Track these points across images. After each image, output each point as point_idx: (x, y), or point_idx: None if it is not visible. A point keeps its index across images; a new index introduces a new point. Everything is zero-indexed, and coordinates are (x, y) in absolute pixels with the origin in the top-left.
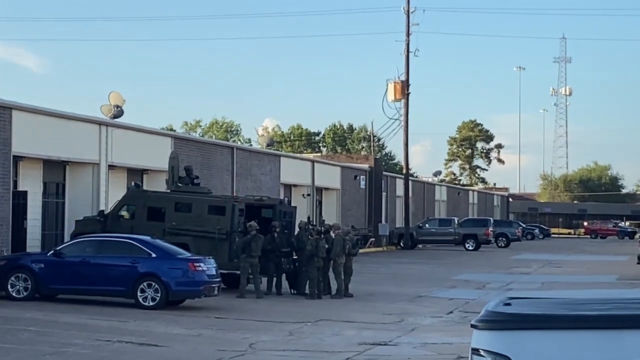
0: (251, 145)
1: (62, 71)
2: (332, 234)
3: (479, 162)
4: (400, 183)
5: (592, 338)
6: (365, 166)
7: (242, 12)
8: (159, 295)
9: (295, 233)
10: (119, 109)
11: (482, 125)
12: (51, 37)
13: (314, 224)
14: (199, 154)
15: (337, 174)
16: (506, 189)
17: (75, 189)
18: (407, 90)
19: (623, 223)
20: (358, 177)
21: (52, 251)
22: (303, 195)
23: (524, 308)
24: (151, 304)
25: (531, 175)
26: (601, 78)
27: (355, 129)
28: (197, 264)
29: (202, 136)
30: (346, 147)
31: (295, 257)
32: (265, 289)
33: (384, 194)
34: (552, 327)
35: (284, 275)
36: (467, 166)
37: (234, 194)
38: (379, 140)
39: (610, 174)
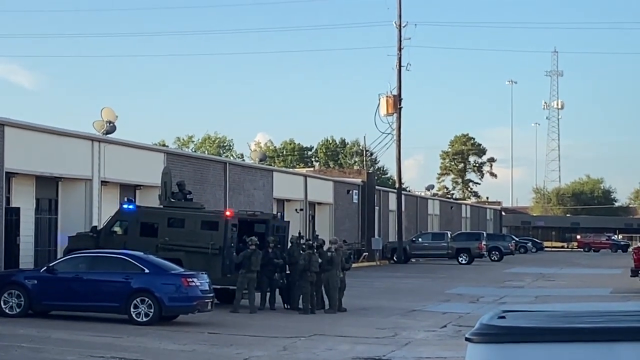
0: (244, 160)
1: (55, 87)
2: (332, 249)
3: (471, 176)
4: (393, 197)
5: (587, 351)
6: (358, 181)
7: (234, 28)
8: (152, 310)
9: (288, 247)
10: (111, 124)
11: (474, 139)
12: (44, 54)
13: (308, 238)
14: (191, 170)
15: (330, 189)
16: (499, 202)
17: (68, 205)
18: (400, 104)
19: (616, 236)
20: (351, 192)
21: (45, 267)
22: (296, 210)
23: (518, 321)
24: (144, 319)
25: (524, 188)
26: (593, 91)
27: (348, 143)
28: (190, 280)
29: (195, 151)
30: (339, 161)
31: (288, 271)
32: (258, 304)
33: (376, 208)
34: (547, 340)
35: (277, 290)
36: (459, 180)
37: (227, 209)
38: (371, 154)
39: (602, 187)
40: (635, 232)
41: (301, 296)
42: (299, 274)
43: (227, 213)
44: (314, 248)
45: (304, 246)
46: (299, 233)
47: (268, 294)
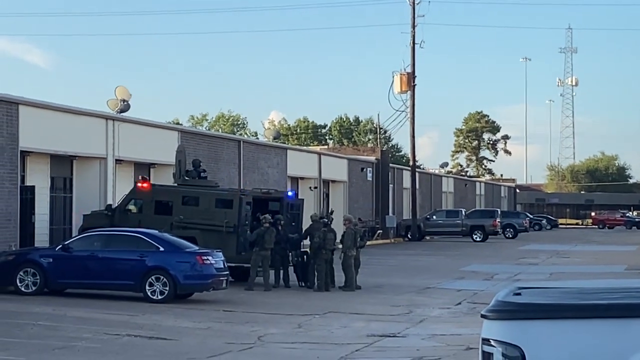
0: (257, 138)
1: (69, 66)
2: (344, 227)
3: (485, 153)
4: (407, 175)
5: (602, 327)
6: (372, 158)
7: (247, 5)
8: (167, 288)
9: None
10: (125, 103)
11: (488, 116)
12: (58, 33)
13: (322, 216)
14: (205, 148)
15: (344, 167)
16: (513, 180)
17: (83, 184)
18: (413, 82)
19: (631, 213)
20: (365, 170)
21: (60, 246)
22: (310, 188)
23: (534, 298)
24: (159, 297)
25: (538, 166)
26: (607, 68)
27: (362, 121)
28: (205, 257)
29: (209, 130)
30: (352, 139)
31: (305, 249)
32: (273, 281)
33: (391, 186)
34: (563, 316)
35: (291, 267)
36: (473, 157)
37: (241, 187)
38: (385, 132)
39: (617, 164)
40: None
41: (316, 274)
42: (313, 251)
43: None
44: (329, 225)
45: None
46: (332, 211)
47: (282, 271)
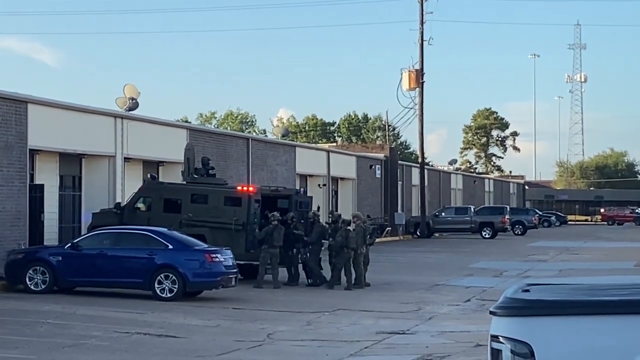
0: (266, 136)
1: (77, 64)
2: (353, 224)
3: (494, 150)
4: (416, 172)
5: (612, 323)
6: (381, 155)
7: (256, 3)
8: (176, 286)
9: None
10: (134, 101)
11: (497, 113)
12: (66, 31)
13: (329, 214)
14: (214, 146)
15: (353, 164)
16: (522, 176)
17: (92, 182)
18: (422, 79)
19: None
20: (374, 167)
21: (69, 244)
22: (319, 185)
23: (543, 294)
24: (169, 295)
25: (547, 162)
26: (616, 64)
27: (370, 118)
28: (214, 255)
29: (217, 127)
30: (361, 136)
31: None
32: (285, 279)
33: (399, 183)
34: (572, 313)
35: (300, 265)
36: (482, 154)
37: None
38: (394, 129)
39: (626, 160)
40: None
41: (332, 270)
42: (335, 250)
43: (250, 189)
44: (336, 223)
45: (331, 223)
46: (317, 207)
47: (292, 269)
